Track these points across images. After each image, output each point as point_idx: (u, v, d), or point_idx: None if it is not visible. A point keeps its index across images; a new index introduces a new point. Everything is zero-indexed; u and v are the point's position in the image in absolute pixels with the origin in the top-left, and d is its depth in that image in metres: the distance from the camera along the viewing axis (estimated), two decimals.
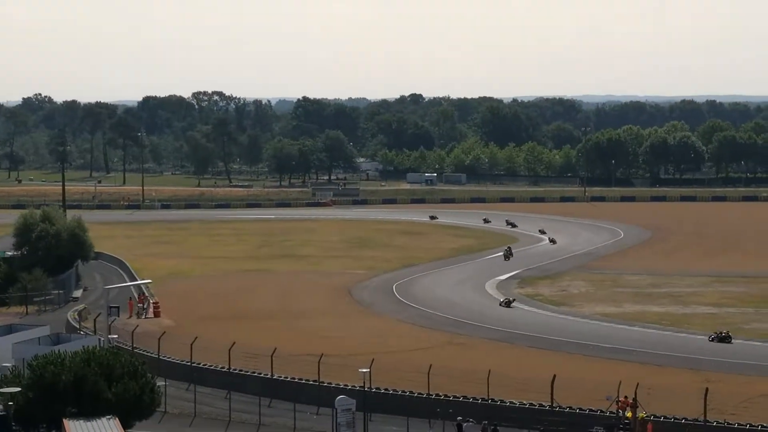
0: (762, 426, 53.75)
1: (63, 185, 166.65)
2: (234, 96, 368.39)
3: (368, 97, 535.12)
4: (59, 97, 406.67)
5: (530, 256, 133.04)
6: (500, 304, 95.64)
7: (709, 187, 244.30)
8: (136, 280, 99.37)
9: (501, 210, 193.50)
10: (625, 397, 55.72)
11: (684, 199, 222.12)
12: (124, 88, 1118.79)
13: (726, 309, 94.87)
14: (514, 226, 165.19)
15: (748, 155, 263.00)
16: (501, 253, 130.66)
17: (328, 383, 61.51)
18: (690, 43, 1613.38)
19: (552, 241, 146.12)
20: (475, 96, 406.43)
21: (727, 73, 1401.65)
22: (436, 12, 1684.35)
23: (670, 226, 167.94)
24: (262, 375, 64.39)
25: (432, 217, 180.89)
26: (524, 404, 57.76)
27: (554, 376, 56.62)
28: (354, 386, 58.59)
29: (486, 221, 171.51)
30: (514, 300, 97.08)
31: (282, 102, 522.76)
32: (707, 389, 54.63)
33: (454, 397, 59.05)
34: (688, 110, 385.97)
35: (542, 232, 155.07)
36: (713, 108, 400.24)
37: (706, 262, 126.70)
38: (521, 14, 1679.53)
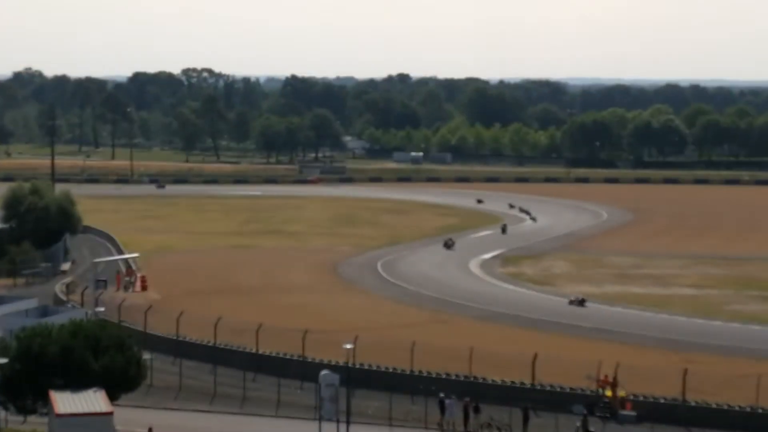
0: (740, 406, 54.64)
1: (52, 159, 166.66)
2: (223, 73, 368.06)
3: (356, 76, 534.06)
4: (49, 72, 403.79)
5: (514, 235, 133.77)
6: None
7: (692, 170, 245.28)
8: (124, 254, 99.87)
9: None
10: (606, 376, 56.56)
11: (667, 181, 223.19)
12: (114, 64, 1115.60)
13: (707, 291, 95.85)
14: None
15: (731, 139, 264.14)
16: (487, 232, 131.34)
17: (312, 358, 62.29)
18: (675, 27, 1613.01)
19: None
20: (462, 77, 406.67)
21: (711, 57, 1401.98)
22: None
23: (653, 208, 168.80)
24: (247, 349, 65.16)
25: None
26: (506, 382, 58.62)
27: (536, 354, 57.46)
28: (338, 362, 59.24)
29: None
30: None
31: (270, 80, 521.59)
32: (686, 369, 55.56)
33: (437, 374, 59.82)
34: (672, 94, 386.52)
35: (532, 218, 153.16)
36: (697, 92, 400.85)
37: (688, 244, 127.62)
38: None
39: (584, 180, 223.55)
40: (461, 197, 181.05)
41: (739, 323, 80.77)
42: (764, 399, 54.49)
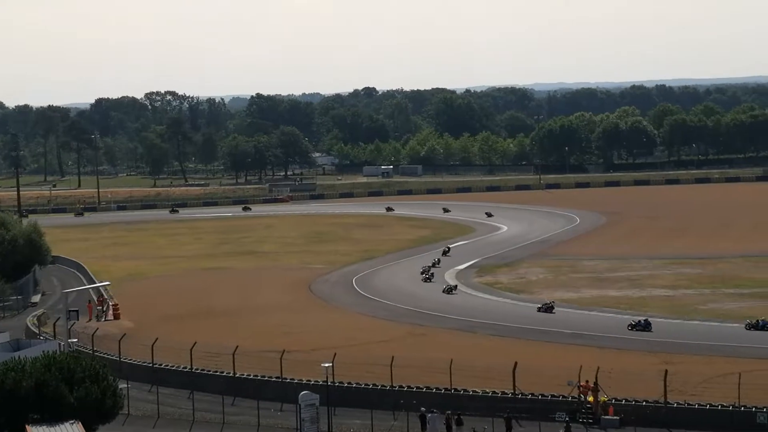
0: (722, 405, 54.34)
1: (18, 190, 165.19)
2: (187, 95, 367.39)
3: (322, 92, 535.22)
4: (11, 102, 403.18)
5: (488, 244, 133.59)
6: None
7: (662, 170, 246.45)
8: (95, 283, 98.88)
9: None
10: (586, 381, 56.22)
11: (638, 183, 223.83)
12: (77, 91, 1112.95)
13: (682, 290, 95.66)
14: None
15: (699, 138, 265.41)
16: (461, 242, 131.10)
17: (290, 379, 61.63)
18: (639, 28, 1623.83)
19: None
20: (428, 87, 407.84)
21: (675, 57, 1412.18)
22: (386, 4, 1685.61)
23: (625, 211, 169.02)
24: (224, 373, 64.40)
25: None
26: (487, 392, 58.10)
27: (515, 363, 57.00)
28: (317, 381, 58.65)
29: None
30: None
31: (235, 99, 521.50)
32: (666, 371, 55.29)
33: (417, 387, 59.30)
34: (638, 95, 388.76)
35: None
36: (663, 92, 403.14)
37: (662, 245, 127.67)
38: (470, 5, 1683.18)
39: (555, 186, 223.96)
40: (433, 208, 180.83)
41: (717, 322, 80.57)
42: (745, 397, 54.21)
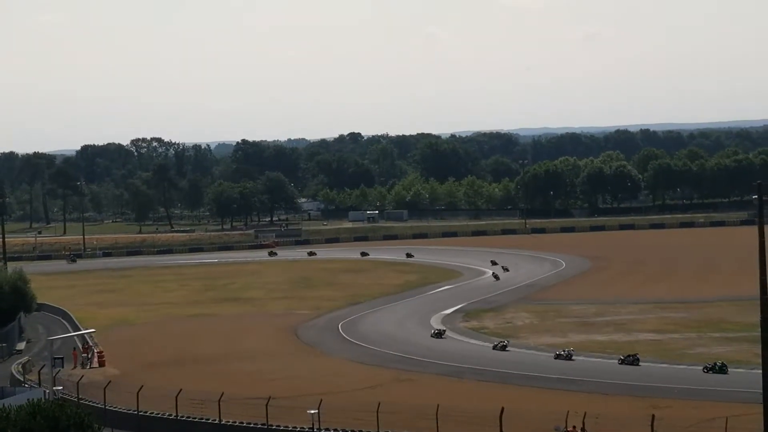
0: None
1: (3, 237, 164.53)
2: (173, 142, 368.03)
3: (307, 138, 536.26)
4: None
5: (474, 289, 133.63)
6: (432, 335, 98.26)
7: (647, 214, 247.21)
8: (80, 330, 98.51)
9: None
10: (573, 426, 56.10)
11: (623, 227, 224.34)
12: (62, 138, 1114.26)
13: (669, 335, 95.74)
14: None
15: (684, 182, 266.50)
16: (447, 287, 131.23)
17: (277, 426, 61.33)
18: (622, 73, 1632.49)
19: (496, 276, 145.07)
20: (414, 132, 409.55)
21: (659, 102, 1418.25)
22: (370, 50, 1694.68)
23: (611, 255, 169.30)
24: (210, 421, 64.06)
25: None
26: None
27: (502, 408, 56.83)
28: (303, 428, 58.39)
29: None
30: (445, 330, 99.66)
31: (221, 146, 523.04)
32: (653, 416, 55.18)
33: None
34: (622, 139, 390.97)
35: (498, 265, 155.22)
36: (647, 136, 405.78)
37: (648, 289, 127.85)
38: (455, 51, 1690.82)
39: (541, 230, 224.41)
40: (419, 253, 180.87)
41: (704, 366, 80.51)
42: None
